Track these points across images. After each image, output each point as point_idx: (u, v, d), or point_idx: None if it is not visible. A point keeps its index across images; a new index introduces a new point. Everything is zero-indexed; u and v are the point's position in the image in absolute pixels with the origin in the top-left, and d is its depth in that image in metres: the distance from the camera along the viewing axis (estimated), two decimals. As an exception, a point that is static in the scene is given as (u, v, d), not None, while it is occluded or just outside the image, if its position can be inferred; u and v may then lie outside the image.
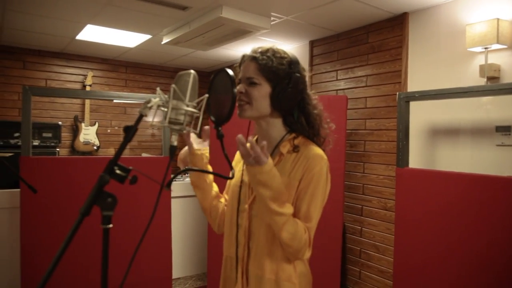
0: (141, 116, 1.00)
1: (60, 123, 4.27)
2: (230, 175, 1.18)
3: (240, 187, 1.27)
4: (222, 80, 1.14)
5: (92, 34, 3.78)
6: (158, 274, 2.77)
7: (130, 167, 0.98)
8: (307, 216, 1.16)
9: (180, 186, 3.77)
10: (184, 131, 1.04)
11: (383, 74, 3.13)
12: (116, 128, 5.00)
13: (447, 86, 2.40)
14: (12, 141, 3.84)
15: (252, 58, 1.21)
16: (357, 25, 3.31)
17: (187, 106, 1.02)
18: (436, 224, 2.23)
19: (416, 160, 2.77)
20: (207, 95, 1.06)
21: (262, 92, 1.19)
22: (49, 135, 4.11)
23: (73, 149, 4.55)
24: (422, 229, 2.30)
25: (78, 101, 4.72)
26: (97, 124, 4.72)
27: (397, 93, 2.46)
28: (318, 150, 1.20)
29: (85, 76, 4.71)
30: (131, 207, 2.54)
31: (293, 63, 1.21)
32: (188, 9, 3.00)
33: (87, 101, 4.67)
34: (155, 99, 1.01)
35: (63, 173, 2.52)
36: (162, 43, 3.79)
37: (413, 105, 2.73)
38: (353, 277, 3.34)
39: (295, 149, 1.20)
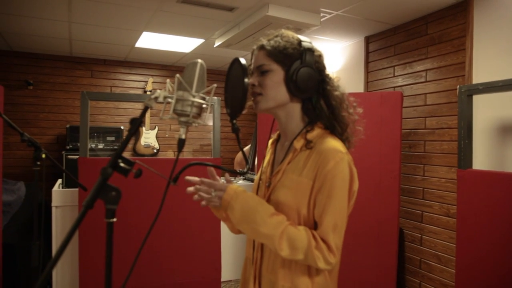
0: (146, 108, 0.98)
1: (122, 127, 4.51)
2: (245, 170, 1.12)
3: (259, 185, 1.19)
4: (235, 71, 1.09)
5: (149, 41, 3.95)
6: (207, 275, 2.78)
7: (135, 161, 0.96)
8: (321, 222, 1.03)
9: (231, 188, 3.76)
10: (193, 123, 1.00)
11: (444, 67, 2.85)
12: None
13: (520, 77, 2.10)
14: (80, 144, 4.13)
15: (260, 47, 1.14)
16: (415, 16, 3.07)
17: (194, 96, 0.97)
18: (504, 234, 1.95)
19: (482, 162, 2.48)
20: (215, 85, 1.01)
21: (275, 78, 1.10)
22: (112, 138, 4.36)
23: (134, 152, 4.78)
24: (488, 239, 2.03)
25: (140, 106, 4.96)
26: (157, 128, 4.91)
27: (458, 86, 2.21)
28: (333, 143, 1.07)
29: (146, 82, 4.95)
30: (177, 209, 2.58)
31: (303, 41, 1.12)
32: (235, 10, 3.00)
33: (148, 106, 4.88)
34: (161, 91, 0.98)
35: (116, 173, 2.64)
36: (214, 46, 3.84)
37: (479, 99, 2.45)
38: (413, 289, 3.07)
39: (308, 144, 1.09)
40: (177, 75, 0.98)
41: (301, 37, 1.14)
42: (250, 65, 1.17)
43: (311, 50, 1.11)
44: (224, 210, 1.08)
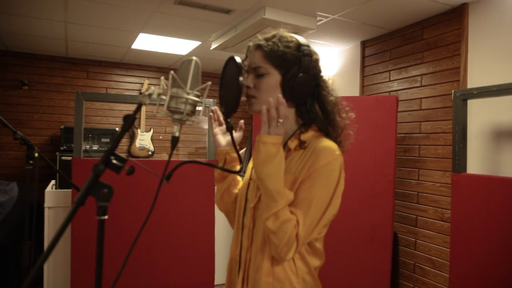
0: (140, 105, 0.97)
1: (116, 129, 4.49)
2: (240, 169, 1.11)
3: (248, 184, 1.18)
4: (230, 69, 1.08)
5: (145, 42, 3.94)
6: (200, 278, 2.75)
7: (127, 158, 0.95)
8: (293, 212, 1.01)
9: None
10: (187, 121, 0.99)
11: (439, 72, 2.87)
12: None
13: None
14: (75, 146, 4.10)
15: (257, 46, 1.12)
16: (411, 21, 3.09)
17: (188, 94, 0.97)
18: (498, 238, 1.95)
19: (476, 166, 2.48)
20: (209, 83, 1.00)
21: (272, 82, 1.09)
22: (107, 140, 4.33)
23: (129, 154, 4.75)
24: (482, 244, 2.03)
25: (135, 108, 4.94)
26: (152, 130, 4.89)
27: (453, 91, 2.22)
28: (328, 143, 1.07)
29: (142, 84, 4.94)
30: (171, 210, 2.56)
31: (301, 45, 1.10)
32: (232, 12, 3.00)
33: (143, 108, 4.87)
34: (155, 88, 0.97)
35: (110, 173, 2.61)
36: (211, 48, 3.84)
37: (473, 104, 2.46)
38: (407, 294, 3.07)
39: (302, 145, 1.08)
40: (171, 72, 0.97)
41: (300, 39, 1.12)
42: (245, 60, 1.16)
43: (309, 55, 1.09)
44: (265, 138, 1.00)
